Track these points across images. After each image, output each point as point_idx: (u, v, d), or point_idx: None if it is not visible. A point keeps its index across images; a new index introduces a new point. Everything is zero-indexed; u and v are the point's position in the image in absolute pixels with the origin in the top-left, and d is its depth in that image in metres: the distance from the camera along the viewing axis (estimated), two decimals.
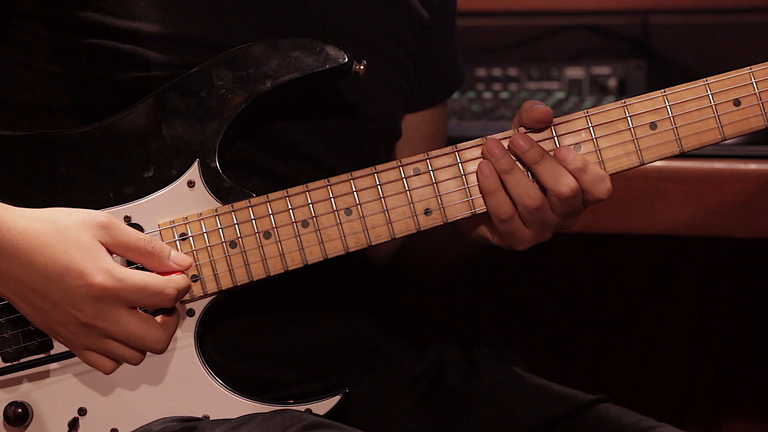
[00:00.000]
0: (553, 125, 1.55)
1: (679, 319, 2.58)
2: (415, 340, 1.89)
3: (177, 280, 1.47)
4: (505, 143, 1.55)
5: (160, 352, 1.47)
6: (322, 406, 1.57)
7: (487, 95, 2.42)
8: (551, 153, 1.54)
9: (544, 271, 2.60)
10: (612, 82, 2.37)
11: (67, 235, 1.44)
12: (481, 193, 1.55)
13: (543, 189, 1.53)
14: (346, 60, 1.56)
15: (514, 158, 1.53)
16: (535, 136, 1.55)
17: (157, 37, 1.57)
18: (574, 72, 2.39)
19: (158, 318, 1.48)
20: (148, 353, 1.48)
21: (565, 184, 1.52)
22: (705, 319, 2.56)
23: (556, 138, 1.55)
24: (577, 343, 2.63)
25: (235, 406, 1.56)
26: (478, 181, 1.54)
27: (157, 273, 1.48)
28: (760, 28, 2.47)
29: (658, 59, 2.49)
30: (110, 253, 1.45)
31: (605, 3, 2.54)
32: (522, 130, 1.56)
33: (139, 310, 1.46)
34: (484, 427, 1.75)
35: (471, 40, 2.46)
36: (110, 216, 1.48)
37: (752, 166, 1.91)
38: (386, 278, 1.93)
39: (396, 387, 1.79)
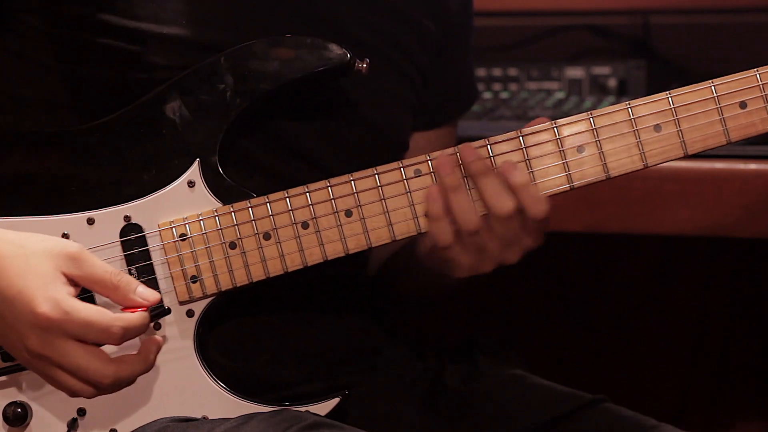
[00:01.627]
0: (557, 126, 1.55)
1: (679, 319, 2.58)
2: (415, 341, 1.89)
3: (128, 319, 1.45)
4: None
5: (107, 387, 1.46)
6: (321, 408, 1.56)
7: (487, 95, 2.42)
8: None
9: (544, 271, 2.59)
10: (612, 82, 2.37)
11: (30, 261, 1.45)
12: (425, 216, 1.54)
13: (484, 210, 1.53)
14: (348, 58, 1.56)
15: (462, 176, 1.53)
16: (536, 137, 1.55)
17: (164, 39, 1.56)
18: (574, 72, 2.39)
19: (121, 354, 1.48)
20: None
21: (508, 203, 1.52)
22: (705, 319, 2.56)
23: (559, 140, 1.54)
24: (577, 343, 2.63)
25: (234, 407, 1.56)
26: (426, 203, 1.54)
27: (122, 306, 1.47)
28: (760, 28, 2.47)
29: (658, 59, 2.49)
30: (76, 285, 1.46)
31: (605, 3, 2.54)
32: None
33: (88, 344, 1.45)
34: (484, 427, 1.75)
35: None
36: (81, 248, 1.47)
37: (752, 166, 1.90)
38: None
39: (396, 387, 1.78)
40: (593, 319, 2.61)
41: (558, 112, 2.24)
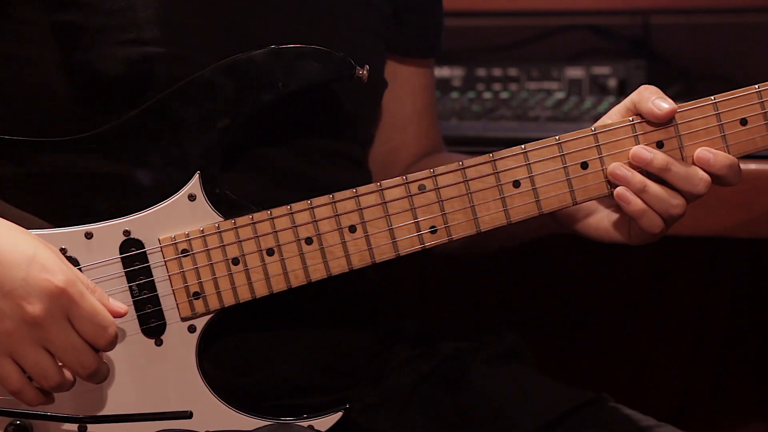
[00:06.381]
0: (561, 142, 1.54)
1: (679, 319, 2.58)
2: (416, 342, 1.89)
3: (116, 330, 1.45)
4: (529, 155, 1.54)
5: (82, 374, 1.44)
6: (324, 422, 1.56)
7: (487, 95, 2.41)
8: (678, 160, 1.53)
9: (545, 271, 2.59)
10: (612, 82, 2.36)
11: (33, 238, 1.44)
12: (631, 217, 1.54)
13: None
14: (350, 66, 1.55)
15: (642, 176, 1.52)
16: (540, 153, 1.54)
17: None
18: (574, 72, 2.38)
19: None
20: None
21: (703, 183, 1.52)
22: (705, 319, 2.56)
23: (563, 156, 1.54)
24: (577, 343, 2.63)
25: (237, 421, 1.55)
26: (622, 207, 1.53)
27: None
28: (760, 28, 2.47)
29: (658, 59, 2.48)
30: None
31: (605, 3, 2.53)
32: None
33: None
34: (484, 427, 1.75)
35: (471, 40, 2.45)
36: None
37: (752, 166, 1.90)
38: (384, 285, 1.93)
39: (397, 392, 1.78)
40: (593, 319, 2.61)
41: (558, 112, 2.23)
